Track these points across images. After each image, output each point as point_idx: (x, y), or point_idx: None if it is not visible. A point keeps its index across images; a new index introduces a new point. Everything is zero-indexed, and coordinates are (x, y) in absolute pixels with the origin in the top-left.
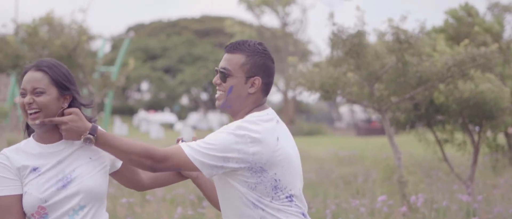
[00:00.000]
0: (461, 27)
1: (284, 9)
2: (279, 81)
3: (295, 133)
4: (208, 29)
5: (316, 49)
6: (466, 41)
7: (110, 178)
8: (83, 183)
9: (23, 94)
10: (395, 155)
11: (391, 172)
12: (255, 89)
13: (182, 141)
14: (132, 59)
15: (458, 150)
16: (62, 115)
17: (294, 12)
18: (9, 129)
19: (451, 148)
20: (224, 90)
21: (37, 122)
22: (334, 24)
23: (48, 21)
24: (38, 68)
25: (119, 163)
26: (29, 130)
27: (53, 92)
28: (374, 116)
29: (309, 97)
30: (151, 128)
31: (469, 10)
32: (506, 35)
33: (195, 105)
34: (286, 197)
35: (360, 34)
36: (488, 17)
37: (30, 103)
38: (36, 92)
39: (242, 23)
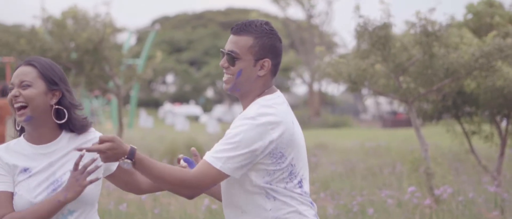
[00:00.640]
0: (481, 20)
1: (310, 1)
2: (304, 73)
3: (320, 125)
4: (233, 22)
5: (342, 41)
6: (495, 32)
7: None
8: None
9: (12, 89)
10: (422, 147)
11: (417, 163)
12: (264, 72)
13: (184, 159)
14: (159, 52)
15: (486, 142)
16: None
17: (319, 4)
18: None
19: (478, 140)
20: (233, 73)
21: (23, 118)
22: (360, 16)
23: (73, 14)
24: (28, 63)
25: (114, 166)
26: (21, 130)
27: (40, 86)
28: (401, 108)
29: (336, 89)
30: (176, 120)
31: (491, 3)
32: None
33: (220, 98)
34: (298, 182)
35: (386, 26)
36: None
37: (16, 97)
38: (23, 85)
39: (267, 16)
